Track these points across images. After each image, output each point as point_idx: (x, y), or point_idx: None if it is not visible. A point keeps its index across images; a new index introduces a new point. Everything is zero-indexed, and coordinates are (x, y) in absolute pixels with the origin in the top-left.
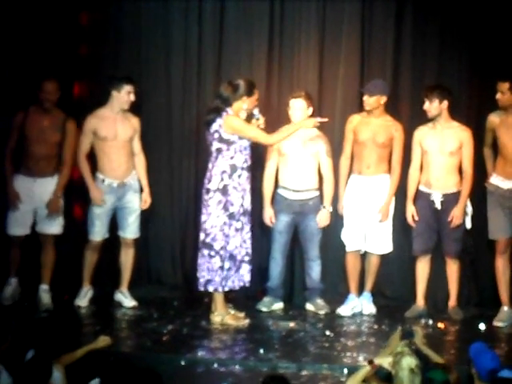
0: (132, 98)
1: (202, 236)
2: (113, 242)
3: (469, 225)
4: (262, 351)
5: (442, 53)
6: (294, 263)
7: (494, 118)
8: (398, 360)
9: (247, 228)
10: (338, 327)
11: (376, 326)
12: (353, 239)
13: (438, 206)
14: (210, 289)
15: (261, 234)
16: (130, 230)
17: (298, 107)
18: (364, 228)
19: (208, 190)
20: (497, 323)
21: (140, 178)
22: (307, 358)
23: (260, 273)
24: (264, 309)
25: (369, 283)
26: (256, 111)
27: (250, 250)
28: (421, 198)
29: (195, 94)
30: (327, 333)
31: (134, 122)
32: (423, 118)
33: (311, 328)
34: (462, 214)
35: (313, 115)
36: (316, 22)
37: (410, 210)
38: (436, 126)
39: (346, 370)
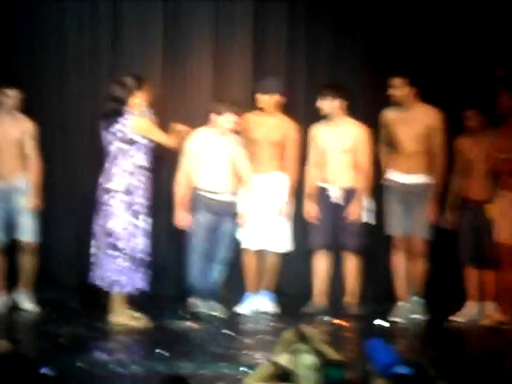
0: (15, 101)
1: (104, 236)
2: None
3: (373, 221)
4: (159, 351)
5: (336, 50)
6: None
7: (387, 114)
8: (296, 358)
9: (149, 229)
10: (237, 326)
11: (274, 324)
12: (250, 237)
13: (335, 200)
14: (116, 289)
15: (168, 236)
16: (24, 232)
17: None
18: (261, 226)
19: (109, 190)
20: (393, 318)
21: (31, 179)
22: (205, 357)
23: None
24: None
25: (268, 281)
26: (145, 107)
27: (149, 252)
28: (318, 193)
29: (90, 96)
30: (225, 332)
31: (26, 125)
32: (318, 117)
33: (210, 327)
34: (358, 209)
35: None
36: (209, 22)
37: (308, 207)
38: (330, 123)
39: (244, 369)
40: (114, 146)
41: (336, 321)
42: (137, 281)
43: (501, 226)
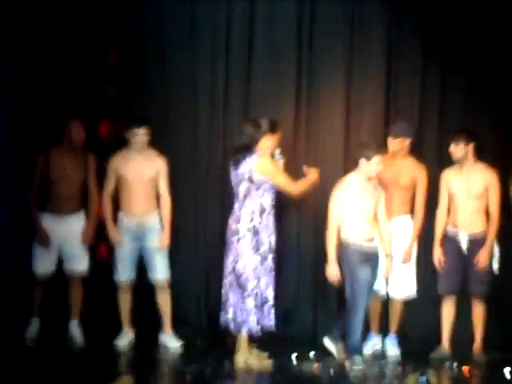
0: (144, 138)
1: (232, 277)
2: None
3: (496, 266)
4: None
5: (469, 96)
6: None
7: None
8: None
9: (273, 268)
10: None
11: (401, 368)
12: (378, 282)
13: (464, 246)
14: (245, 330)
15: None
16: (158, 271)
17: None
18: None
19: (237, 231)
20: None
21: (163, 218)
22: None
23: (284, 315)
24: None
25: (394, 325)
26: (277, 151)
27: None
28: (447, 238)
29: (221, 135)
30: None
31: (159, 163)
32: (448, 162)
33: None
34: (488, 256)
35: None
36: (343, 63)
37: (437, 253)
38: (462, 168)
39: None
40: (242, 187)
41: (464, 367)
42: (265, 321)
43: None
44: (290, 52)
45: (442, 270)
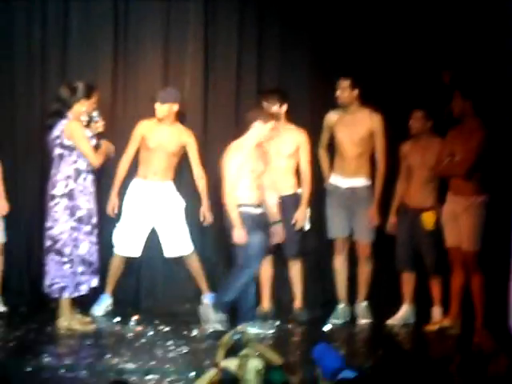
0: None
1: (49, 242)
2: None
3: (307, 226)
4: (108, 356)
5: (283, 52)
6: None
7: (331, 117)
8: (244, 362)
9: (95, 231)
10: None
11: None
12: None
13: (274, 208)
14: (65, 295)
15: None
16: None
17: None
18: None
19: (53, 196)
20: (333, 320)
21: None
22: (153, 361)
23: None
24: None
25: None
26: (95, 113)
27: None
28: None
29: (39, 97)
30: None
31: None
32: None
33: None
34: (304, 216)
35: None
36: (160, 22)
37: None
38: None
39: (192, 374)
40: (56, 152)
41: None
42: (88, 284)
43: (449, 230)
44: (106, 10)
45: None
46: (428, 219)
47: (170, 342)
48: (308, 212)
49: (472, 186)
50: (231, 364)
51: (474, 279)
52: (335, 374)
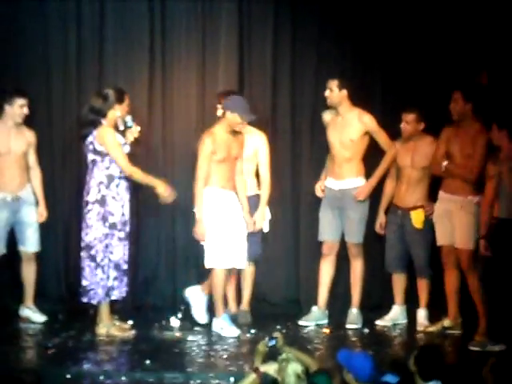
0: (25, 111)
1: (84, 249)
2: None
3: (266, 229)
4: (148, 362)
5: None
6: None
7: (325, 117)
8: (283, 366)
9: (127, 238)
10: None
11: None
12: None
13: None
14: (94, 301)
15: (145, 244)
16: (30, 243)
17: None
18: None
19: (87, 203)
20: (303, 323)
21: (35, 191)
22: (194, 367)
23: (146, 284)
24: None
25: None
26: (128, 119)
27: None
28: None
29: (75, 104)
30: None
31: (29, 136)
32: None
33: (197, 337)
34: (262, 218)
35: None
36: (195, 28)
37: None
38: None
39: (232, 379)
40: (89, 158)
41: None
42: (121, 291)
43: (441, 228)
44: (142, 13)
45: None
46: (417, 217)
47: (208, 348)
48: (268, 215)
49: (469, 186)
50: (270, 368)
51: (470, 279)
52: (373, 376)
